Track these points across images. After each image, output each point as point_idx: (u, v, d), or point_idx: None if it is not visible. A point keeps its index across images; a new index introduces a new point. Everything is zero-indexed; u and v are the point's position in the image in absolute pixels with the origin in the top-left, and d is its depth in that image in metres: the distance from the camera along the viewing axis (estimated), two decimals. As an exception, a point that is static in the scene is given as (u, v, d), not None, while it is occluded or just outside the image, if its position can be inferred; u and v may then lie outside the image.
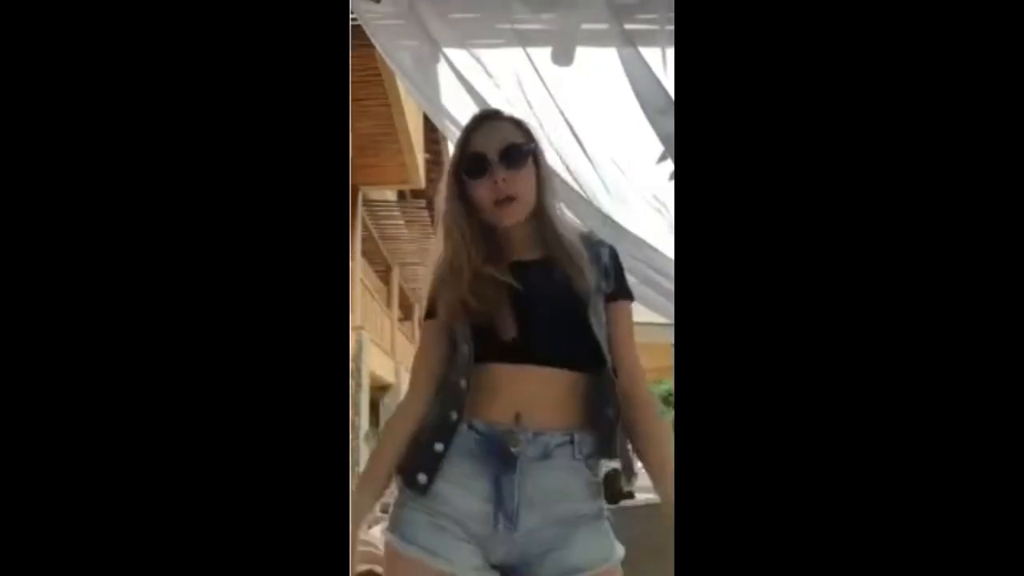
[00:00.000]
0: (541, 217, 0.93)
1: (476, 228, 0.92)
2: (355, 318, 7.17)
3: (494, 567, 0.82)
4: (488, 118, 0.97)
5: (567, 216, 1.01)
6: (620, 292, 0.95)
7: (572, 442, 0.83)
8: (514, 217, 0.91)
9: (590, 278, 0.88)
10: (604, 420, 0.85)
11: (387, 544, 0.83)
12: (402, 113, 6.23)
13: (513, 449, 0.80)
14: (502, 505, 0.79)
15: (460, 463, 0.81)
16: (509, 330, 0.84)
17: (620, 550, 0.85)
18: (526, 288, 0.85)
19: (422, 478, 0.81)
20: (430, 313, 0.96)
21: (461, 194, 0.92)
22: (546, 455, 0.81)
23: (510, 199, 0.89)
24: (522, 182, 0.90)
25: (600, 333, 0.88)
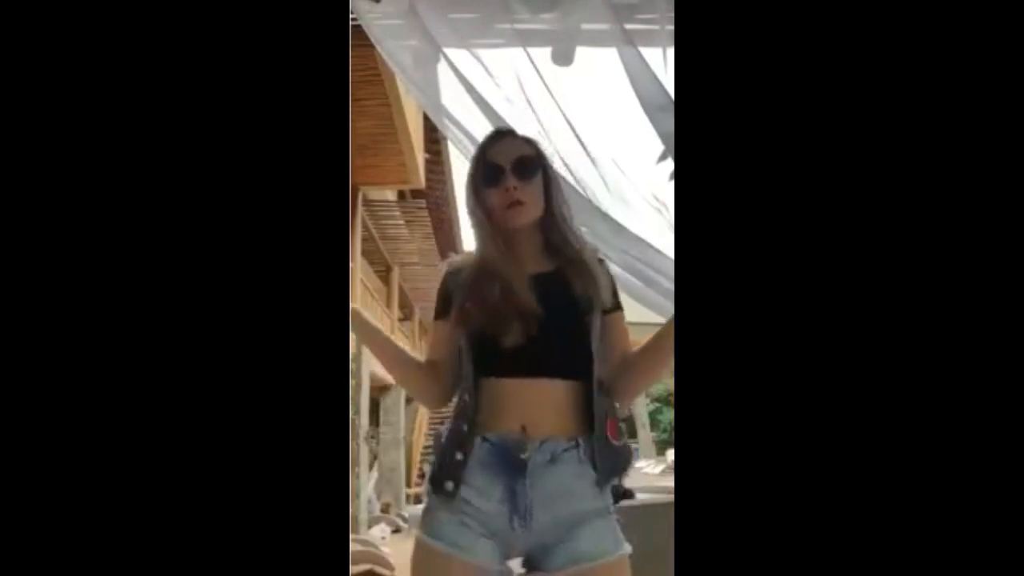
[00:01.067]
0: (551, 227, 1.01)
1: (498, 235, 0.99)
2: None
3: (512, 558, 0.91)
4: (503, 135, 1.05)
5: (579, 229, 1.07)
6: (617, 304, 1.02)
7: (577, 446, 0.90)
8: (521, 219, 0.97)
9: (604, 295, 0.96)
10: (599, 421, 0.92)
11: (417, 541, 0.91)
12: (402, 113, 6.23)
13: (522, 456, 0.87)
14: (516, 507, 0.87)
15: (478, 471, 0.89)
16: (516, 340, 0.91)
17: (627, 546, 0.91)
18: (538, 301, 0.91)
19: (449, 485, 0.89)
20: (440, 313, 1.01)
21: (479, 202, 0.99)
22: (553, 460, 0.89)
23: (519, 203, 0.96)
24: (531, 191, 0.98)
25: (596, 344, 0.95)
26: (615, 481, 0.93)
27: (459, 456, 0.90)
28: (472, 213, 1.00)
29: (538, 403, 0.90)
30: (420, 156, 7.43)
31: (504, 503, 0.88)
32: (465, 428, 0.91)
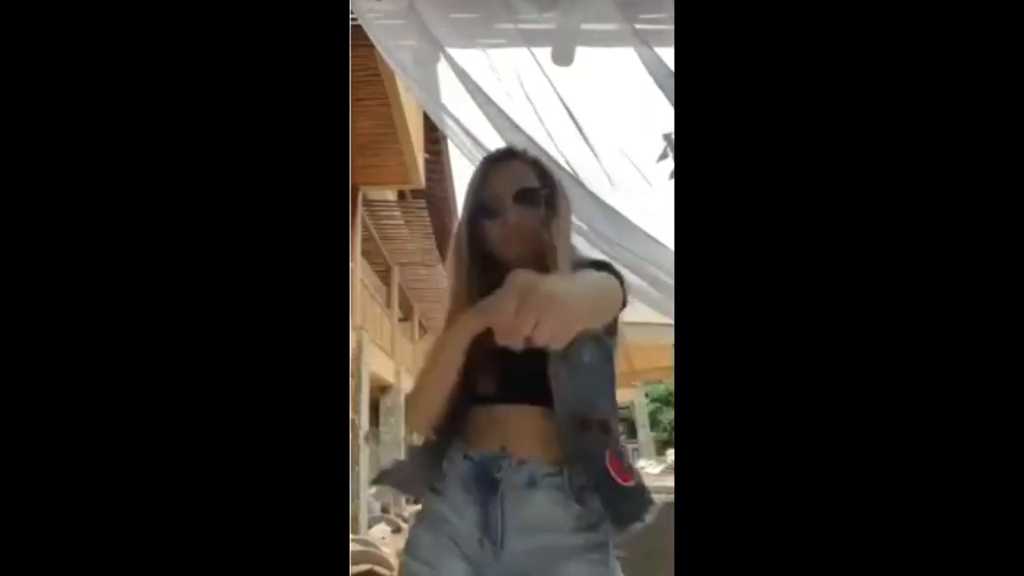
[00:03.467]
0: (548, 258, 0.91)
1: (479, 269, 0.93)
2: (355, 318, 7.17)
3: None
4: (502, 159, 0.97)
5: (578, 254, 1.00)
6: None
7: (560, 474, 0.85)
8: (518, 247, 0.91)
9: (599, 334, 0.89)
10: (590, 454, 0.86)
11: (400, 561, 0.91)
12: (402, 113, 6.23)
13: (496, 474, 0.84)
14: (488, 529, 0.84)
15: (456, 488, 0.87)
16: (489, 386, 0.88)
17: None
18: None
19: (431, 495, 0.90)
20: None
21: (472, 234, 0.94)
22: (531, 483, 0.84)
23: (518, 235, 0.91)
24: (531, 221, 0.92)
25: (596, 382, 0.91)
26: (638, 526, 0.85)
27: (441, 466, 0.91)
28: (456, 254, 0.94)
29: (517, 427, 0.87)
30: (420, 156, 7.43)
31: (477, 526, 0.85)
32: (446, 444, 0.90)
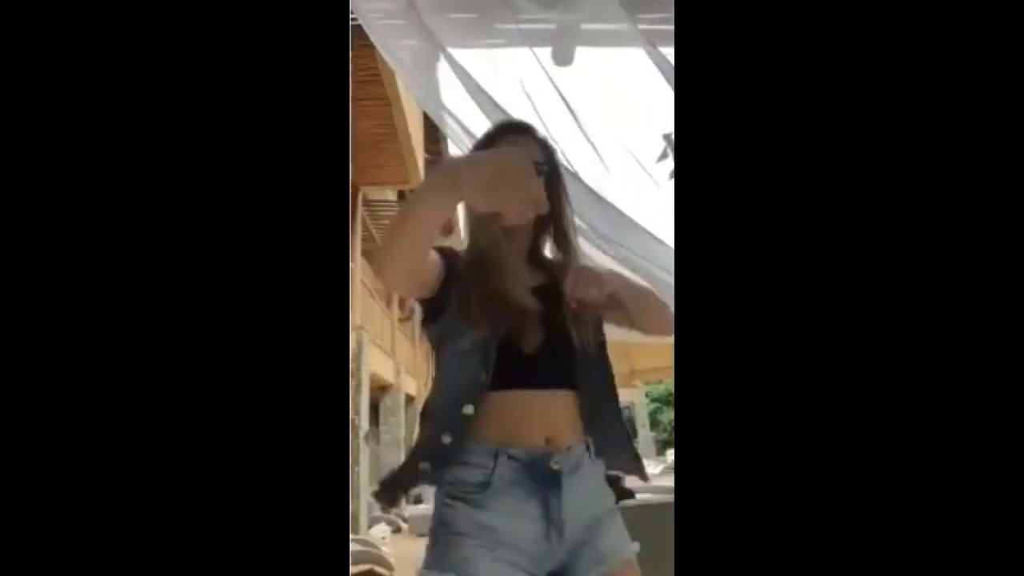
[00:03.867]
0: (551, 230, 0.98)
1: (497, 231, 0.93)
2: (355, 318, 7.17)
3: None
4: (517, 130, 1.00)
5: (577, 238, 1.05)
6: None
7: (588, 448, 0.91)
8: (521, 217, 0.89)
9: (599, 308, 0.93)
10: (603, 424, 0.93)
11: None
12: (402, 113, 6.24)
13: (554, 467, 0.85)
14: (551, 520, 0.84)
15: (507, 491, 0.84)
16: (532, 343, 0.87)
17: (635, 544, 0.92)
18: (542, 303, 0.89)
19: (400, 493, 0.89)
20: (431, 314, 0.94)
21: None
22: (578, 466, 0.88)
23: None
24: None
25: (601, 362, 0.95)
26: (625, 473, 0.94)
27: (423, 466, 0.86)
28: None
29: (555, 413, 0.88)
30: (420, 156, 7.43)
31: (538, 520, 0.84)
32: (447, 439, 0.85)
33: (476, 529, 0.83)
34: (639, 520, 1.12)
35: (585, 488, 0.89)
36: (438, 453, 0.86)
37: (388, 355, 9.23)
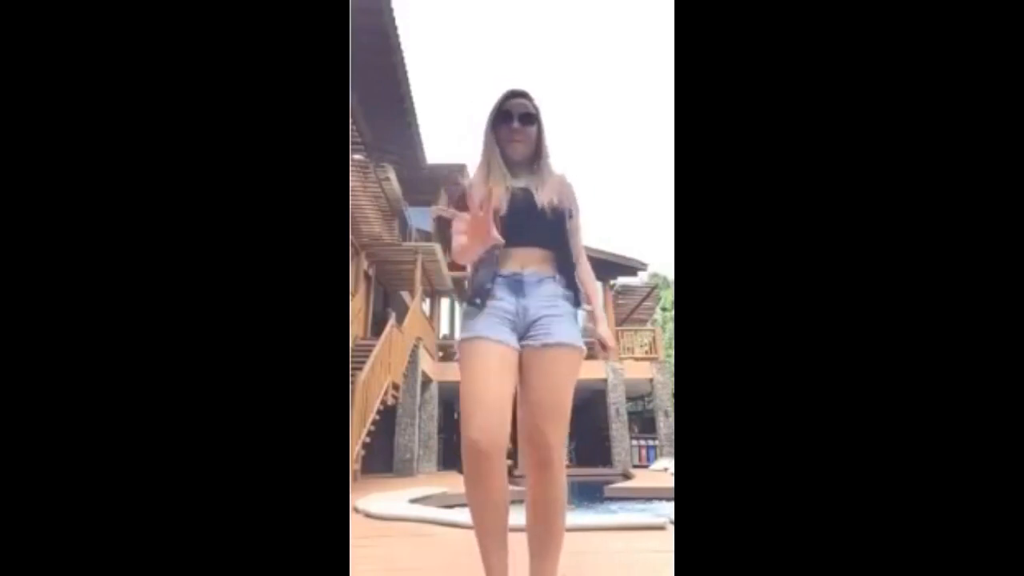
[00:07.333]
0: (536, 159, 1.54)
1: (497, 162, 1.50)
2: (413, 332, 9.08)
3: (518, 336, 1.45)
4: (516, 95, 1.54)
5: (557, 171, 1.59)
6: (575, 213, 1.57)
7: (555, 279, 1.46)
8: (520, 149, 1.48)
9: (563, 203, 1.51)
10: (569, 269, 1.50)
11: (463, 341, 1.42)
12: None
13: (521, 279, 1.41)
14: (520, 304, 1.41)
15: (501, 291, 1.43)
16: (517, 222, 1.41)
17: (584, 346, 1.42)
18: (523, 197, 1.45)
19: (477, 302, 1.44)
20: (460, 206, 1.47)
21: (493, 133, 1.51)
22: (540, 282, 1.44)
23: (518, 140, 1.48)
24: (528, 132, 1.49)
25: (560, 232, 1.50)
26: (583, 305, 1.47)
27: (488, 285, 1.42)
28: (487, 141, 1.49)
29: (529, 258, 1.43)
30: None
31: (514, 303, 1.39)
32: (493, 272, 1.41)
33: (482, 310, 1.40)
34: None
35: (544, 294, 1.42)
36: (479, 286, 1.43)
37: (434, 359, 11.18)
